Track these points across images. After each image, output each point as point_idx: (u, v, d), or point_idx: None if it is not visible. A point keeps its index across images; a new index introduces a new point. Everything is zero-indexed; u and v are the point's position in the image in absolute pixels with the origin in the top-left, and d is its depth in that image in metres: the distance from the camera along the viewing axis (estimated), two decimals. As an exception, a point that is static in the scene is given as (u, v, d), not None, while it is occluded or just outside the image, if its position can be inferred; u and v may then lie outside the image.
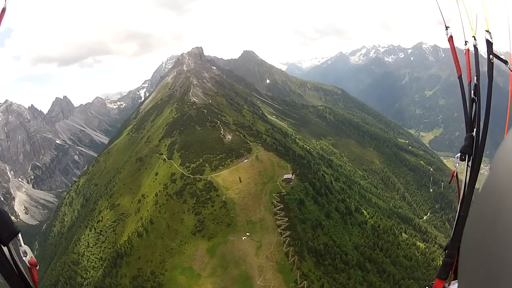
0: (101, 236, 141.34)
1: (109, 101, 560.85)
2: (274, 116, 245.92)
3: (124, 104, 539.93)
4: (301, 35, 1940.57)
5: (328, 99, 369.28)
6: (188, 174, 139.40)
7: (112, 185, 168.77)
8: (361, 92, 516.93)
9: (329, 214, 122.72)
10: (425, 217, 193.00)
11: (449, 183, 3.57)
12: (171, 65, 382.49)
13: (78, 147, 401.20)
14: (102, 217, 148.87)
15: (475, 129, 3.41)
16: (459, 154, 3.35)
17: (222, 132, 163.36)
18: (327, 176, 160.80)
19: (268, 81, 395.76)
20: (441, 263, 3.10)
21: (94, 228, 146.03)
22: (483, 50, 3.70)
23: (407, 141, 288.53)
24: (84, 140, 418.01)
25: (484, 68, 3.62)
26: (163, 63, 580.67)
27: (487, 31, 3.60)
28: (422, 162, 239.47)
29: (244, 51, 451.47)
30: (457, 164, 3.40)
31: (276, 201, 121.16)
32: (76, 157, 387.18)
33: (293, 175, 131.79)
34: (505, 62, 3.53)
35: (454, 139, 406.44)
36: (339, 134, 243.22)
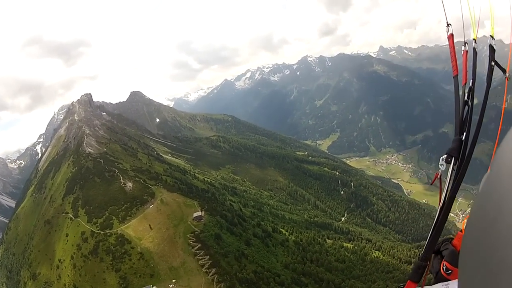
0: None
1: (9, 160, 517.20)
2: (169, 155, 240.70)
3: (23, 163, 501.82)
4: (185, 68, 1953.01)
5: (219, 128, 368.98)
6: (98, 230, 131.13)
7: (28, 253, 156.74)
8: (251, 115, 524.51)
9: (249, 242, 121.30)
10: (343, 219, 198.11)
11: (431, 184, 3.41)
12: (62, 116, 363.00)
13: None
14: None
15: (464, 133, 3.31)
16: (445, 156, 3.25)
17: (122, 180, 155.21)
18: (235, 204, 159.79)
19: (157, 119, 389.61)
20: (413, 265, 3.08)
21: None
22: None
23: (306, 152, 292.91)
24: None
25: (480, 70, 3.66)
26: (55, 114, 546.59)
27: (492, 36, 3.63)
28: (326, 169, 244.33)
29: (131, 92, 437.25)
30: (442, 166, 3.23)
31: (193, 242, 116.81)
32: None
33: (203, 212, 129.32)
34: (504, 70, 3.55)
35: (353, 139, 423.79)
36: (237, 160, 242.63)
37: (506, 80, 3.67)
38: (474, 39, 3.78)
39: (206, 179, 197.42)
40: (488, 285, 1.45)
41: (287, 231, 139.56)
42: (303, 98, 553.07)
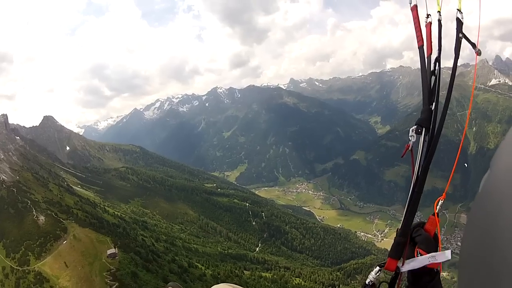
0: None
1: None
2: (79, 186, 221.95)
3: None
4: (96, 95, 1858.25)
5: (128, 159, 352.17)
6: (16, 266, 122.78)
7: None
8: (159, 146, 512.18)
9: (166, 279, 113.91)
10: (257, 249, 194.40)
11: (402, 156, 3.18)
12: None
13: None
14: None
15: (434, 103, 3.17)
16: (415, 126, 3.09)
17: (34, 213, 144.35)
18: (147, 239, 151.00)
19: (68, 148, 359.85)
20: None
21: None
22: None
23: (215, 184, 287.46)
24: None
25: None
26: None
27: (459, 10, 3.46)
28: (236, 200, 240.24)
29: (44, 116, 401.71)
30: (412, 138, 3.06)
31: (110, 280, 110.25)
32: None
33: (116, 248, 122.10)
34: (473, 44, 3.37)
35: (261, 170, 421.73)
36: (146, 193, 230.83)
37: (476, 55, 3.45)
38: (438, 11, 3.51)
39: (116, 212, 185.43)
40: (488, 285, 1.46)
41: (203, 265, 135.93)
42: (211, 129, 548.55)
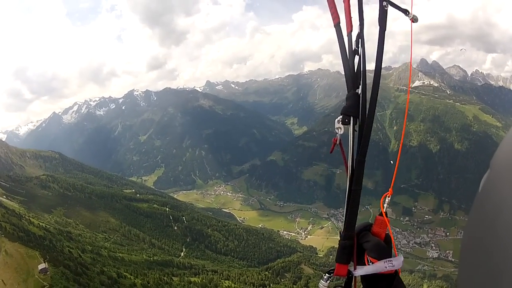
0: None
1: None
2: (4, 197, 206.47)
3: None
4: (17, 98, 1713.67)
5: (48, 166, 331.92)
6: None
7: None
8: (77, 152, 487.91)
9: None
10: (182, 254, 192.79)
11: (330, 152, 2.98)
12: None
13: None
14: None
15: (360, 86, 2.78)
16: (340, 117, 2.73)
17: None
18: (73, 250, 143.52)
19: None
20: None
21: None
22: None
23: (133, 190, 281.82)
24: None
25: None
26: None
27: None
28: (155, 205, 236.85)
29: None
30: (340, 130, 2.71)
31: None
32: None
33: (46, 263, 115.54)
34: (405, 11, 2.92)
35: (178, 173, 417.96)
36: (67, 202, 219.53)
37: (411, 22, 3.00)
38: None
39: (41, 223, 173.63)
40: (488, 284, 1.45)
41: (131, 275, 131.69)
42: (128, 133, 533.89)
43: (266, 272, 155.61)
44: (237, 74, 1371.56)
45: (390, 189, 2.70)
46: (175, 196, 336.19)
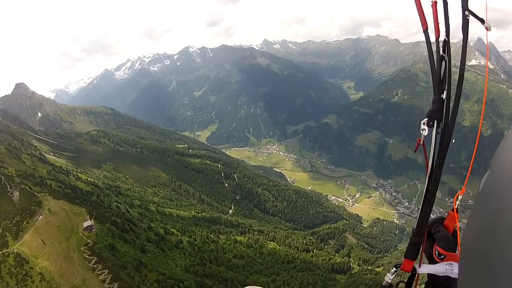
0: None
1: None
2: (52, 154, 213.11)
3: None
4: (67, 57, 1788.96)
5: (99, 122, 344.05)
6: None
7: None
8: (130, 107, 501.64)
9: (144, 248, 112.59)
10: (230, 211, 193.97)
11: (415, 151, 3.18)
12: None
13: None
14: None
15: (445, 91, 3.00)
16: (426, 119, 2.92)
17: (9, 189, 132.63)
18: (121, 206, 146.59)
19: (39, 114, 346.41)
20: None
21: None
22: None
23: (186, 145, 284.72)
24: None
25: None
26: None
27: None
28: (207, 161, 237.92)
29: (16, 84, 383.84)
30: (424, 131, 2.90)
31: (88, 255, 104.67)
32: None
33: (92, 220, 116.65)
34: (482, 20, 3.11)
35: (232, 130, 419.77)
36: (118, 156, 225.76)
37: (486, 30, 3.20)
38: None
39: (89, 179, 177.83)
40: (489, 284, 1.46)
41: (178, 232, 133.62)
42: (182, 89, 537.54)
43: (311, 237, 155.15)
44: (295, 34, 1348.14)
45: (463, 188, 2.84)
46: (227, 152, 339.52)
